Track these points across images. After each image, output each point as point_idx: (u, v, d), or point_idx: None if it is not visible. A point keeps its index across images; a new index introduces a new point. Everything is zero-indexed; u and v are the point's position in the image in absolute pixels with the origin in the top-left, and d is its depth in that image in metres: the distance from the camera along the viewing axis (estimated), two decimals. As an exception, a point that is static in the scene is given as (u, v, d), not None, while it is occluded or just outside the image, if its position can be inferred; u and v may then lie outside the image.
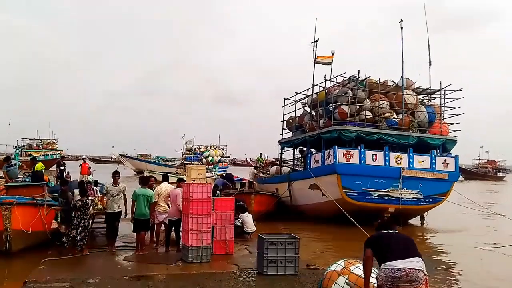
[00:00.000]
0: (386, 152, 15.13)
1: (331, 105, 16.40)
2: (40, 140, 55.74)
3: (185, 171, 27.29)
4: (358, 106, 16.02)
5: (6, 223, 8.48)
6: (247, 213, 11.52)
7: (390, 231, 4.66)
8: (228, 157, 62.35)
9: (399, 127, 15.79)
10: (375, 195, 14.86)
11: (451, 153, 16.50)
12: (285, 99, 19.94)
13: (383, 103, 16.12)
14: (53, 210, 9.38)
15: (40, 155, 44.13)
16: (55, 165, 24.86)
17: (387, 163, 15.04)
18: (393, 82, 17.09)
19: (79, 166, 21.19)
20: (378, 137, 15.35)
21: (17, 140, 54.86)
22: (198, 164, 38.12)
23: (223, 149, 52.94)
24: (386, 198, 14.91)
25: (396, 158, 15.20)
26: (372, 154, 15.03)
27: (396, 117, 15.99)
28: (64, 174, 17.51)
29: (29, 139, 55.39)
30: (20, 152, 46.55)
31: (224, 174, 23.95)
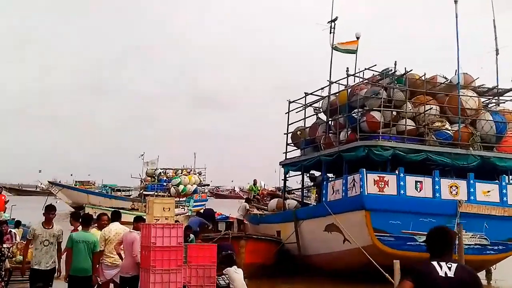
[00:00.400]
0: (436, 179, 15.20)
1: (356, 111, 16.52)
2: None
3: (145, 206, 27.13)
4: (395, 113, 16.13)
5: None
6: (235, 267, 11.42)
7: (444, 266, 4.43)
8: (208, 185, 62.36)
9: (454, 142, 15.91)
10: (421, 240, 14.82)
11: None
12: (290, 103, 20.05)
13: (430, 108, 16.25)
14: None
15: None
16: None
17: (437, 194, 15.10)
18: (445, 78, 17.29)
19: (-10, 198, 21.03)
20: (424, 157, 15.45)
21: None
22: (164, 196, 38.03)
23: (200, 173, 53.00)
24: (437, 245, 14.89)
25: (451, 187, 15.28)
26: (416, 182, 15.09)
27: (449, 128, 16.14)
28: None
29: None
30: None
31: (202, 211, 23.90)
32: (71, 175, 73.94)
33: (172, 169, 52.06)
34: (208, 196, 60.56)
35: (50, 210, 9.30)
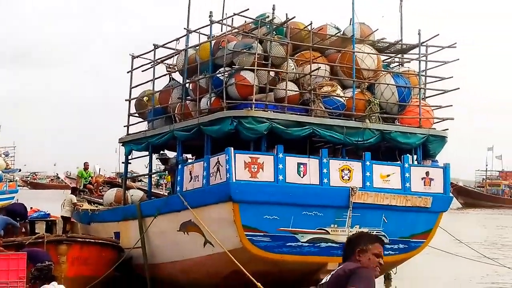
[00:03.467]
0: (324, 160, 15.70)
1: (221, 70, 16.64)
2: None
3: None
4: (272, 74, 16.44)
5: None
6: (54, 283, 11.30)
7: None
8: (19, 170, 60.22)
9: (346, 112, 16.52)
10: (304, 240, 15.38)
11: (437, 160, 17.66)
12: (133, 58, 19.82)
13: (318, 68, 16.71)
14: None
15: None
16: None
17: (325, 180, 15.60)
18: (337, 29, 17.83)
19: None
20: (309, 132, 15.85)
21: None
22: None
23: (7, 155, 51.25)
24: (324, 245, 15.52)
25: (342, 170, 15.83)
26: (299, 164, 15.49)
27: (342, 94, 16.68)
28: None
29: None
30: None
31: (8, 205, 23.11)
32: None
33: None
34: (19, 185, 58.60)
35: None
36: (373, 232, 15.97)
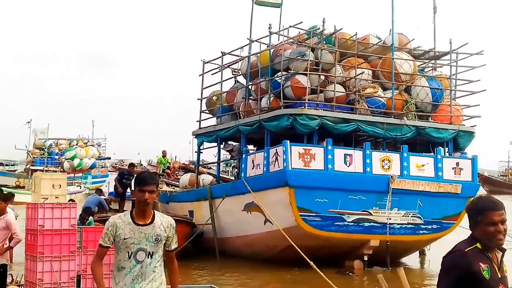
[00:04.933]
0: (367, 152, 15.61)
1: (279, 74, 16.63)
2: None
3: (31, 182, 26.34)
4: (323, 77, 16.37)
5: None
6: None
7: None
8: (109, 158, 61.27)
9: (387, 111, 16.38)
10: (349, 220, 15.29)
11: (465, 153, 17.40)
12: (204, 63, 19.97)
13: (362, 73, 16.59)
14: None
15: None
16: None
17: (368, 169, 15.50)
18: (378, 39, 17.66)
19: None
20: (354, 127, 15.79)
21: None
22: (55, 172, 37.05)
23: (99, 145, 52.13)
24: (367, 224, 15.42)
25: (383, 160, 15.72)
26: (345, 155, 15.41)
27: (382, 95, 16.57)
28: None
29: None
30: None
31: (98, 188, 23.50)
32: None
33: (65, 139, 50.78)
34: (110, 171, 59.70)
35: None
36: (409, 214, 15.84)
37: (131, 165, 24.75)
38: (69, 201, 12.79)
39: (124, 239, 4.73)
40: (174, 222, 5.15)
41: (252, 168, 16.33)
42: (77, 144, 48.81)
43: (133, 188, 4.88)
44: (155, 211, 5.00)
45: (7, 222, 8.87)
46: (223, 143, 20.09)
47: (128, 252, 4.74)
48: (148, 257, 4.77)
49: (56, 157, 47.36)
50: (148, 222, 4.86)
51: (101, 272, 4.98)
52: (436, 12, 18.21)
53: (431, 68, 19.00)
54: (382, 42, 17.50)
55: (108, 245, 4.78)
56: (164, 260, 4.96)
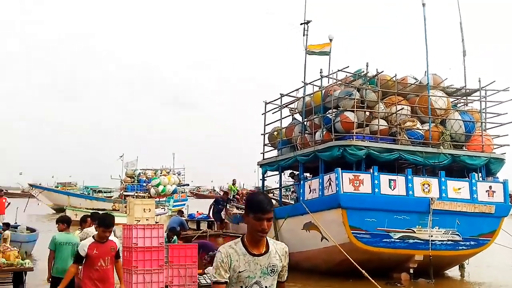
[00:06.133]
0: (409, 177, 15.39)
1: (330, 111, 16.63)
2: None
3: (125, 206, 26.91)
4: (368, 113, 16.29)
5: None
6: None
7: None
8: (188, 185, 62.05)
9: (425, 141, 16.12)
10: (396, 237, 15.02)
11: (497, 177, 16.88)
12: (266, 104, 20.13)
13: (402, 109, 16.44)
14: None
15: None
16: None
17: (410, 192, 15.27)
18: (415, 79, 17.49)
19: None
20: (397, 156, 15.63)
21: None
22: (143, 197, 37.75)
23: (179, 174, 52.76)
24: (411, 241, 15.10)
25: (423, 184, 15.46)
26: (390, 180, 15.24)
27: (420, 127, 16.33)
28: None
29: None
30: None
31: (180, 210, 23.85)
32: (53, 177, 72.95)
33: (151, 169, 51.71)
34: (189, 196, 60.30)
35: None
36: (449, 232, 15.41)
37: (225, 193, 24.96)
38: (155, 223, 13.05)
39: (239, 272, 3.68)
40: (288, 249, 4.01)
41: (309, 192, 16.29)
42: (161, 173, 49.60)
43: (247, 214, 3.80)
44: (267, 238, 3.89)
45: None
46: (284, 171, 20.10)
47: (242, 287, 3.73)
48: None
49: (144, 184, 48.20)
50: (263, 252, 3.80)
51: None
52: (466, 55, 17.92)
53: (463, 104, 18.59)
54: (419, 82, 17.33)
55: (226, 280, 3.66)
56: None
